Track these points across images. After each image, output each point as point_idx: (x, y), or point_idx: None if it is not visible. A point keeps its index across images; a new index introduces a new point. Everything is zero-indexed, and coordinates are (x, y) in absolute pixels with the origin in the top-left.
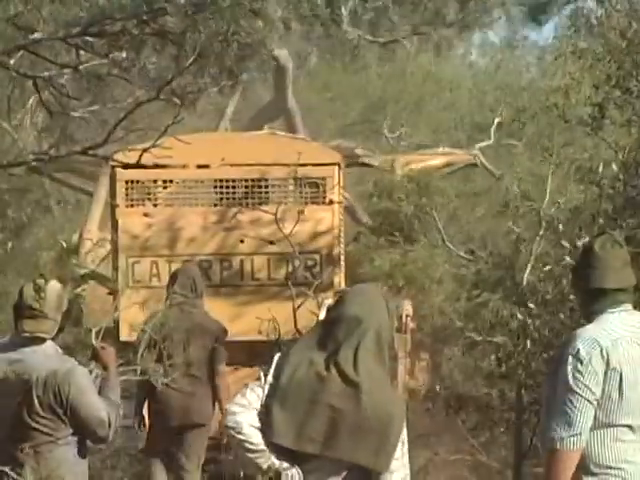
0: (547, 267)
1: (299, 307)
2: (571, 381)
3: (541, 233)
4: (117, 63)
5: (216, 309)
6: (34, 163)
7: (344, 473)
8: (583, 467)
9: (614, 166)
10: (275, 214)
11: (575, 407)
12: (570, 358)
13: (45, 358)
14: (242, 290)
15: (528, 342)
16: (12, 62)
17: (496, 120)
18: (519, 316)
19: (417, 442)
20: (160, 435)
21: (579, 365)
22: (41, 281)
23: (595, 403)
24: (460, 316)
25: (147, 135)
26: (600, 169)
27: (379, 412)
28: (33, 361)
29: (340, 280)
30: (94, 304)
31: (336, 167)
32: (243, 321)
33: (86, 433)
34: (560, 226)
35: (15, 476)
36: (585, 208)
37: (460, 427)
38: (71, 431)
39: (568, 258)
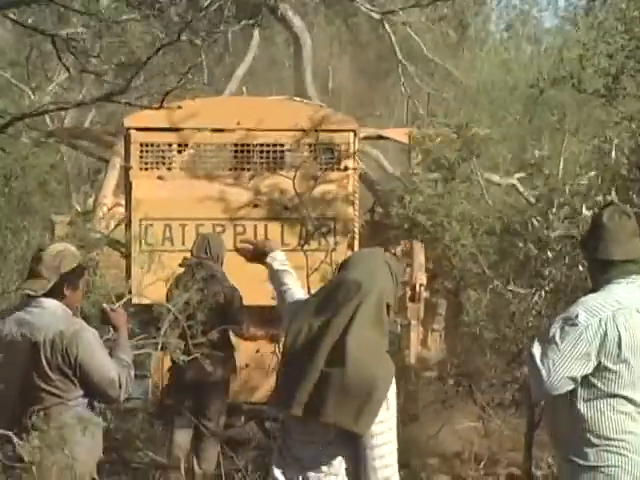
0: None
1: (312, 273)
2: (558, 337)
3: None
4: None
5: (229, 274)
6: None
7: (333, 437)
8: (582, 438)
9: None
10: (293, 179)
11: (556, 359)
12: (567, 321)
13: (52, 319)
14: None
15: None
16: (30, 20)
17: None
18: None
19: (428, 409)
20: (177, 392)
21: (573, 328)
22: (46, 243)
23: (579, 366)
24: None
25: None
26: (615, 141)
27: (363, 374)
28: (40, 322)
29: (354, 247)
30: (108, 269)
31: (352, 134)
32: (256, 287)
33: (96, 394)
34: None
35: (19, 442)
36: (598, 180)
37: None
38: (81, 392)
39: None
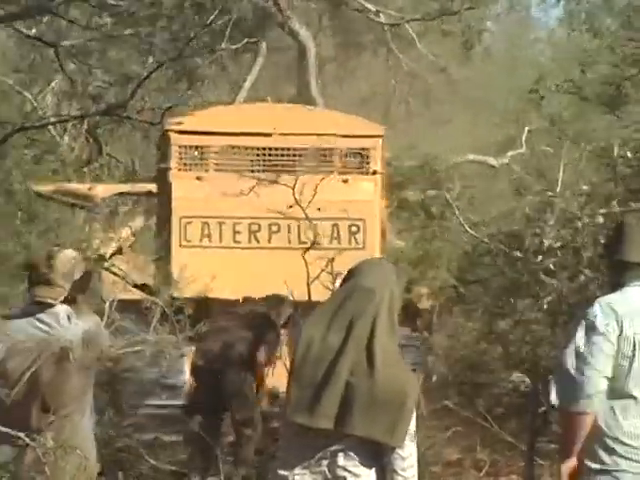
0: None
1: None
2: (586, 350)
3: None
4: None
5: (266, 271)
6: (55, 125)
7: (358, 448)
8: (598, 440)
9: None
10: (293, 187)
11: (586, 371)
12: (586, 324)
13: (69, 323)
14: (289, 253)
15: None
16: (33, 31)
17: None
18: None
19: (430, 416)
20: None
21: (597, 337)
22: (54, 249)
23: (606, 370)
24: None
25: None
26: (615, 149)
27: (393, 387)
28: (58, 329)
29: (378, 247)
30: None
31: (380, 139)
32: (292, 282)
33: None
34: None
35: (32, 443)
36: (599, 189)
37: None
38: (90, 399)
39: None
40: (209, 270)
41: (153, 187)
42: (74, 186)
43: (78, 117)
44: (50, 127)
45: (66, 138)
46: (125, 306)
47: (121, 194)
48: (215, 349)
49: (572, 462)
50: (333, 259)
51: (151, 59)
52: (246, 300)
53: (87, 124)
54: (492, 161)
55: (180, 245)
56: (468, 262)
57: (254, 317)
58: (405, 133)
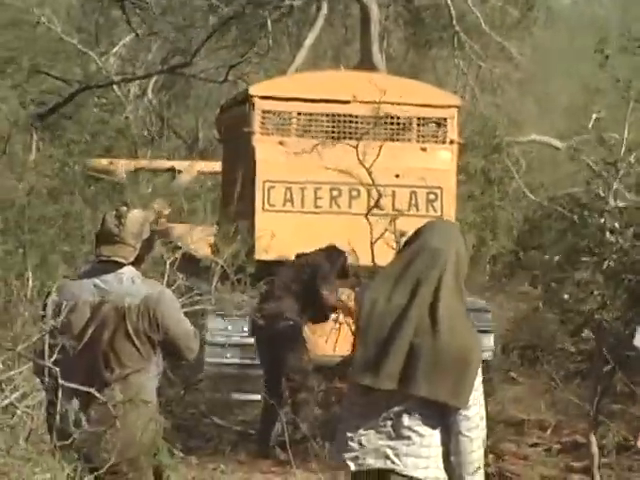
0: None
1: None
2: None
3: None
4: None
5: (347, 234)
6: (120, 83)
7: (422, 408)
8: None
9: None
10: (356, 147)
11: None
12: None
13: (132, 284)
14: (368, 218)
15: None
16: None
17: None
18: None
19: (494, 378)
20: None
21: None
22: (123, 208)
23: None
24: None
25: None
26: None
27: (457, 347)
28: (121, 289)
29: (454, 215)
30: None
31: (457, 109)
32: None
33: (179, 350)
34: None
35: (102, 397)
36: None
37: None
38: (155, 360)
39: None
40: (291, 234)
41: (173, 164)
42: (98, 161)
43: (143, 76)
44: (115, 88)
45: (129, 104)
46: (184, 266)
47: (141, 169)
48: (272, 311)
49: None
50: (396, 218)
51: (212, 18)
52: (300, 255)
53: (150, 89)
54: (556, 143)
55: (263, 209)
56: (529, 227)
57: (309, 269)
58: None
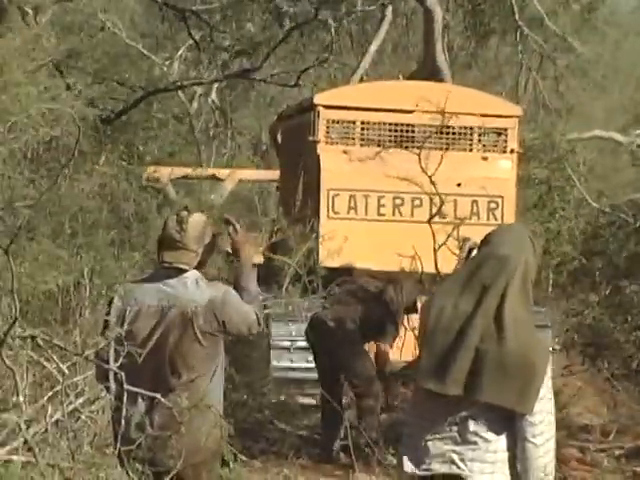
0: None
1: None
2: None
3: None
4: None
5: (410, 241)
6: (184, 90)
7: (488, 414)
8: None
9: None
10: (419, 155)
11: None
12: None
13: (197, 288)
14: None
15: None
16: None
17: None
18: None
19: (554, 382)
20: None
21: None
22: (184, 213)
23: None
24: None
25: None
26: None
27: (522, 354)
28: (187, 293)
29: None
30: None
31: (517, 119)
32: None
33: (240, 333)
34: None
35: (167, 403)
36: None
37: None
38: (221, 359)
39: None
40: (355, 241)
41: (217, 172)
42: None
43: (210, 81)
44: (180, 94)
45: (194, 105)
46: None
47: (185, 177)
48: (335, 318)
49: None
50: (459, 225)
51: (280, 25)
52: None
53: (215, 94)
54: (619, 137)
55: (328, 216)
56: (591, 234)
57: (376, 291)
58: (532, 117)
